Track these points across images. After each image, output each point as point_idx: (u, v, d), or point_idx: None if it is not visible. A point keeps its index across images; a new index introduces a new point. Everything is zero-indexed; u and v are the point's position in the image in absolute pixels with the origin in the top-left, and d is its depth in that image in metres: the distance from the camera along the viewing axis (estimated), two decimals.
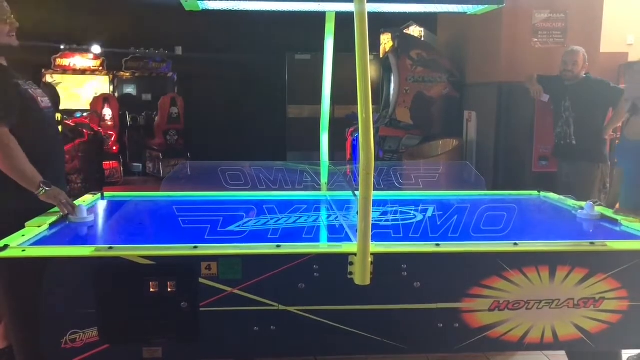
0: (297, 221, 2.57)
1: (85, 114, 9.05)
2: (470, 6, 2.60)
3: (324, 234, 2.51)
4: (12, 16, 2.67)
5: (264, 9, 2.57)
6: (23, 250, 2.03)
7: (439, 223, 2.45)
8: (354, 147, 6.95)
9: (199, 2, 2.47)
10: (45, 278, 1.97)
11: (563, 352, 2.66)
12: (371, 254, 1.98)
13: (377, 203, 2.86)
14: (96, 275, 1.99)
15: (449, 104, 6.09)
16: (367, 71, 1.90)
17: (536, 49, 5.09)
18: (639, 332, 2.21)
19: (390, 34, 6.53)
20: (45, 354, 2.05)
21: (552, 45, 5.06)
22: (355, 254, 1.99)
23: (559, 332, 2.18)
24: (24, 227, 2.32)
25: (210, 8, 2.56)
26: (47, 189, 2.51)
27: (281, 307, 2.06)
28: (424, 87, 6.04)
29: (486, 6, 2.56)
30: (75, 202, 2.82)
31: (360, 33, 1.90)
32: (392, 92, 6.27)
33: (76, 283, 2.00)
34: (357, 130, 6.78)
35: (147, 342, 2.06)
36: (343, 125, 7.98)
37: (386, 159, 6.00)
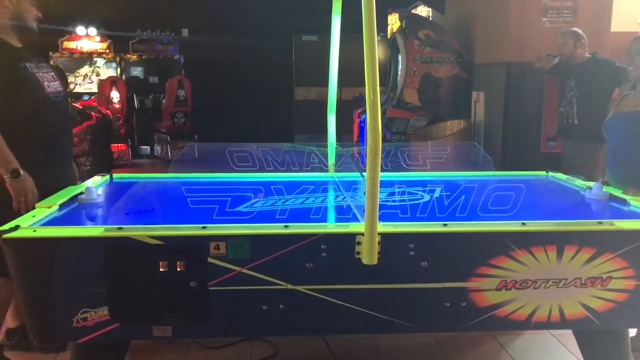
0: (305, 202, 2.58)
1: (93, 97, 9.07)
2: None
3: (331, 214, 2.51)
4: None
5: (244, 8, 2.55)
6: (34, 231, 2.06)
7: (446, 203, 2.45)
8: (362, 129, 6.94)
9: None
10: (56, 258, 2.00)
11: (570, 331, 2.68)
12: (378, 233, 1.99)
13: (385, 184, 2.86)
14: (106, 255, 2.01)
15: (457, 85, 6.05)
16: (374, 52, 1.89)
17: (545, 29, 5.03)
18: None
19: (397, 14, 6.48)
20: (57, 332, 2.09)
21: (562, 24, 5.00)
22: (362, 234, 2.00)
23: (566, 311, 2.19)
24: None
25: None
26: (15, 178, 2.48)
27: (289, 287, 2.07)
28: (431, 68, 6.00)
29: None
30: (84, 183, 2.84)
31: (368, 13, 1.89)
32: (399, 73, 6.24)
33: (86, 263, 2.03)
34: (364, 111, 6.76)
35: (157, 321, 2.09)
36: (350, 107, 7.95)
37: (394, 140, 5.99)
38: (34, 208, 2.39)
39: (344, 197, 2.71)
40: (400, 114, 6.09)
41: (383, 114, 6.18)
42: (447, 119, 5.89)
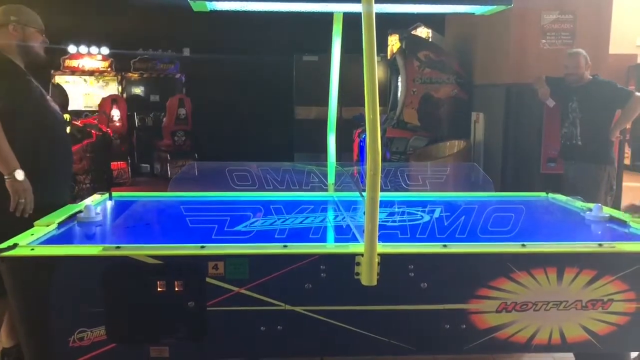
0: (304, 221, 2.57)
1: (94, 115, 9.10)
2: (478, 6, 2.60)
3: (330, 234, 2.51)
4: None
5: (272, 10, 2.58)
6: (32, 249, 2.05)
7: (446, 224, 2.45)
8: (361, 148, 6.94)
9: (207, 2, 2.48)
10: (53, 277, 1.98)
11: (571, 354, 2.65)
12: (378, 254, 1.98)
13: (384, 204, 2.86)
14: (104, 275, 2.00)
15: (457, 105, 6.07)
16: (374, 72, 1.90)
17: (544, 50, 5.07)
18: None
19: (397, 35, 6.51)
20: (54, 352, 2.07)
21: (561, 46, 5.04)
22: (362, 255, 1.99)
23: (567, 333, 2.17)
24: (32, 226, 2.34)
25: (218, 9, 2.57)
26: (18, 178, 2.51)
27: (288, 307, 2.06)
28: (431, 89, 6.02)
29: (494, 6, 2.55)
30: (83, 202, 2.84)
31: (368, 34, 1.90)
32: (399, 93, 6.26)
33: (84, 282, 2.01)
34: (364, 131, 6.76)
35: (154, 342, 2.07)
36: (351, 126, 7.95)
37: (393, 160, 5.99)
38: (30, 213, 2.46)
39: (344, 217, 2.70)
40: (400, 133, 6.10)
41: (383, 133, 6.19)
42: (447, 139, 5.90)
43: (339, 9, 2.81)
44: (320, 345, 2.16)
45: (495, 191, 3.43)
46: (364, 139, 6.52)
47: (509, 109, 5.10)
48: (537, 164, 4.76)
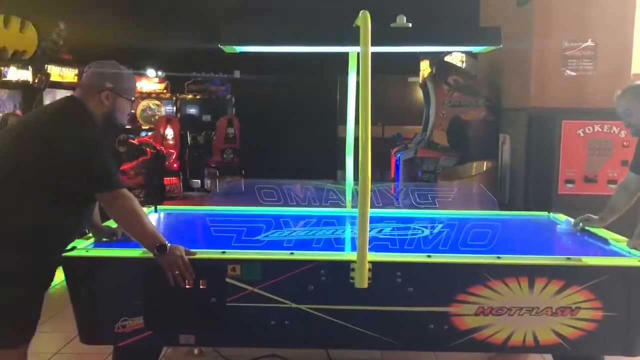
0: (317, 233, 2.95)
1: (149, 134, 9.78)
2: (471, 47, 2.94)
3: (337, 245, 2.86)
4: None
5: (290, 52, 3.00)
6: (86, 251, 2.53)
7: (439, 238, 2.78)
8: (397, 166, 7.22)
9: (235, 47, 2.93)
10: (102, 273, 2.45)
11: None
12: (370, 262, 2.34)
13: (390, 219, 3.24)
14: (143, 273, 2.45)
15: (486, 127, 6.30)
16: (367, 98, 2.25)
17: (566, 76, 5.27)
18: (614, 339, 2.47)
19: (428, 61, 6.83)
20: (102, 336, 2.52)
21: (582, 72, 5.24)
22: (355, 262, 2.35)
23: (539, 336, 2.46)
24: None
25: (245, 51, 3.01)
26: (160, 254, 2.38)
27: (294, 305, 2.44)
28: (460, 111, 6.30)
29: (485, 47, 2.89)
30: None
31: (364, 70, 2.27)
32: (430, 115, 6.57)
33: (127, 279, 2.46)
34: (400, 150, 7.09)
35: (183, 330, 2.50)
36: (393, 144, 8.21)
37: (424, 179, 6.28)
38: (192, 277, 2.43)
39: (354, 230, 3.06)
40: (431, 154, 6.39)
41: (415, 153, 6.52)
42: (475, 160, 6.14)
43: (352, 50, 3.20)
44: (319, 338, 2.54)
45: (517, 210, 3.63)
46: (399, 157, 6.85)
47: (530, 132, 5.32)
48: (556, 185, 4.96)
